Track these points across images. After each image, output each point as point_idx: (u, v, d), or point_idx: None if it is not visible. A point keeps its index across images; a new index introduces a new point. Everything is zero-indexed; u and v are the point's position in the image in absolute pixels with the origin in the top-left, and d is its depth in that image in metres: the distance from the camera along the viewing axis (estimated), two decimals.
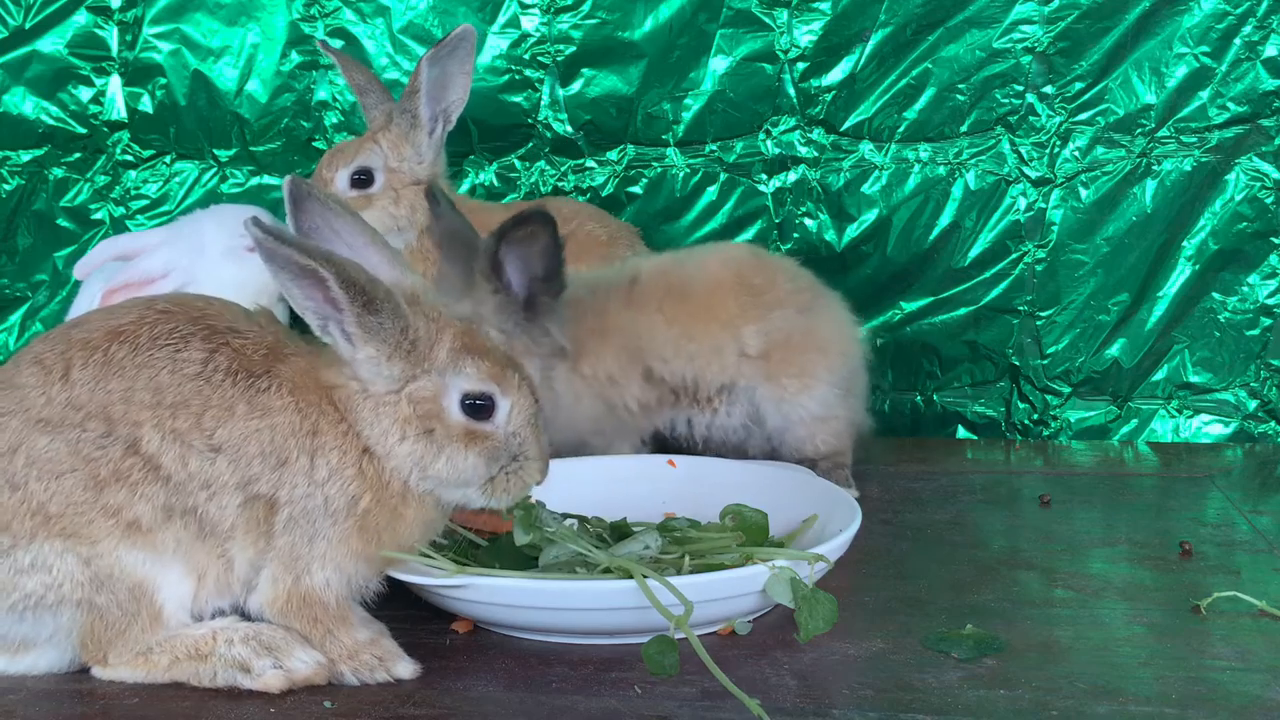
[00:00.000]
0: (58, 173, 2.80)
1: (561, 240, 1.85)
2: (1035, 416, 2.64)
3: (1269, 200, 2.50)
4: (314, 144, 2.74)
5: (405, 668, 1.41)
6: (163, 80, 2.74)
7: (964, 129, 2.57)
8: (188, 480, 1.36)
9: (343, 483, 1.38)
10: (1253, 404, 2.57)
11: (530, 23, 2.65)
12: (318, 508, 1.37)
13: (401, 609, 1.52)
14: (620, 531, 1.63)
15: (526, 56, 2.66)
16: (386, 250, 1.46)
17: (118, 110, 2.77)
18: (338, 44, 2.69)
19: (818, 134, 2.63)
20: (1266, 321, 2.54)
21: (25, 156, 2.79)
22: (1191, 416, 2.59)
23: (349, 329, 1.36)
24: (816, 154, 2.64)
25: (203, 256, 2.21)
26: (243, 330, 1.42)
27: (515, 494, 1.45)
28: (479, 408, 1.40)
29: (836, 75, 2.60)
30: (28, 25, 2.74)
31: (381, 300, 1.35)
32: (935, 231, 2.61)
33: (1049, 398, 2.63)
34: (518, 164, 2.73)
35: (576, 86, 2.67)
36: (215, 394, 1.36)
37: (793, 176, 2.65)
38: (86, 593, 1.36)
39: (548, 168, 2.73)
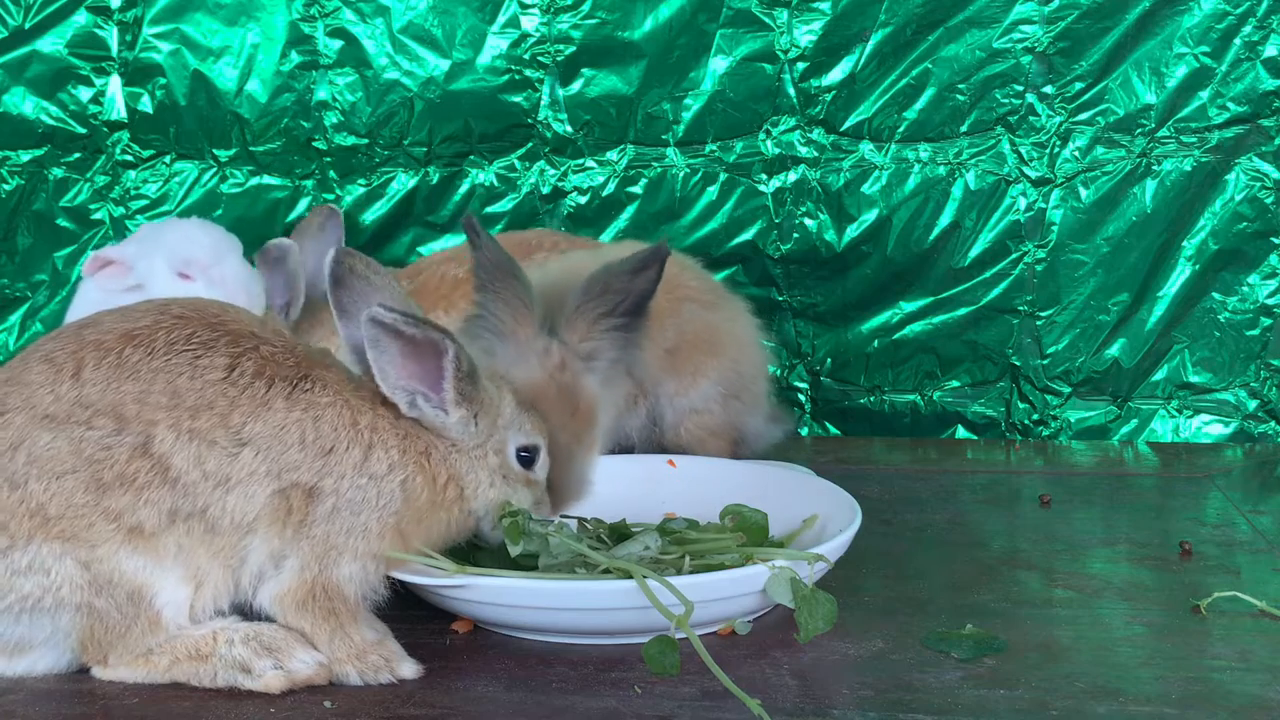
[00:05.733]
0: (58, 173, 2.79)
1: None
2: (1035, 416, 2.64)
3: (1269, 200, 2.50)
4: (314, 144, 2.74)
5: (409, 668, 1.41)
6: (163, 80, 2.73)
7: (964, 129, 2.57)
8: (201, 480, 1.35)
9: (405, 476, 1.42)
10: (1253, 404, 2.57)
11: (530, 23, 2.65)
12: (369, 500, 1.40)
13: (401, 609, 1.52)
14: (620, 532, 1.63)
15: (526, 56, 2.66)
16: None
17: (118, 110, 2.77)
18: (337, 44, 2.69)
19: (818, 134, 2.63)
20: (1266, 321, 2.54)
21: (25, 156, 2.79)
22: (1191, 416, 2.59)
23: (446, 396, 1.44)
24: (816, 154, 2.64)
25: (154, 272, 2.28)
26: (267, 338, 1.43)
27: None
28: (528, 459, 1.55)
29: (836, 75, 2.60)
30: (28, 25, 2.73)
31: (476, 369, 1.48)
32: (935, 231, 2.61)
33: (1049, 398, 2.63)
34: (518, 164, 2.73)
35: (576, 86, 2.67)
36: (244, 395, 1.37)
37: (793, 176, 2.65)
38: (86, 596, 1.35)
39: (548, 168, 2.73)
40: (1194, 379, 2.58)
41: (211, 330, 1.40)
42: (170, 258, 2.28)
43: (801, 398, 2.74)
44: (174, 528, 1.36)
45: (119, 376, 1.36)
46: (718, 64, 2.62)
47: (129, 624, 1.37)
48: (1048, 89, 2.54)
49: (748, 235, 2.68)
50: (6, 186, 2.79)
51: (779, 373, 2.70)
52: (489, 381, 1.52)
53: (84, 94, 2.76)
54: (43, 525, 1.34)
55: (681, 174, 2.68)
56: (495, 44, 2.67)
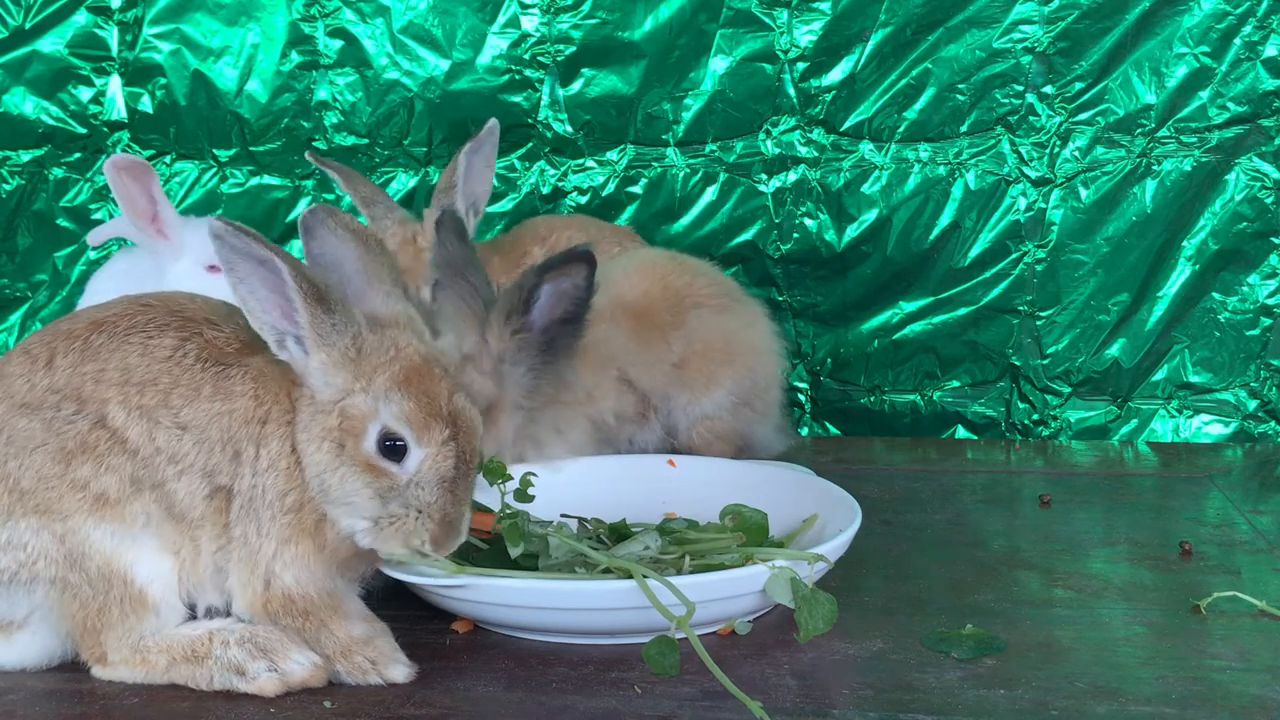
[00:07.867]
0: (58, 173, 2.80)
1: (595, 285, 1.76)
2: (1035, 416, 2.64)
3: (1269, 200, 2.50)
4: (314, 144, 2.74)
5: (399, 671, 1.39)
6: (163, 80, 2.74)
7: (964, 129, 2.57)
8: (155, 454, 1.38)
9: (276, 475, 1.39)
10: (1253, 404, 2.57)
11: (530, 23, 2.65)
12: (259, 496, 1.39)
13: (401, 609, 1.52)
14: (620, 532, 1.63)
15: (526, 56, 2.66)
16: (389, 284, 1.43)
17: (118, 110, 2.77)
18: (337, 44, 2.69)
19: (818, 134, 2.63)
20: (1266, 321, 2.54)
21: (25, 156, 2.79)
22: (1191, 416, 2.59)
23: (303, 333, 1.35)
24: (816, 154, 2.64)
25: (177, 262, 2.28)
26: (218, 324, 1.45)
27: (396, 546, 1.38)
28: (391, 448, 1.35)
29: (836, 75, 2.60)
30: (28, 25, 2.74)
31: (335, 303, 1.35)
32: (935, 231, 2.61)
33: (1049, 398, 2.63)
34: (518, 164, 2.73)
35: (576, 86, 2.67)
36: (184, 375, 1.40)
37: (793, 176, 2.65)
38: (60, 570, 1.38)
39: (548, 168, 2.73)
40: (1194, 379, 2.58)
41: (170, 315, 1.44)
42: (201, 253, 2.27)
43: (801, 398, 2.74)
44: (139, 496, 1.38)
45: (83, 360, 1.40)
46: (718, 64, 2.62)
47: (104, 601, 1.38)
48: (1048, 89, 2.54)
49: (748, 235, 2.68)
50: (6, 186, 2.80)
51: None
52: (379, 339, 1.37)
53: (84, 94, 2.76)
54: (19, 500, 1.38)
55: (681, 174, 2.68)
56: (495, 44, 2.67)
